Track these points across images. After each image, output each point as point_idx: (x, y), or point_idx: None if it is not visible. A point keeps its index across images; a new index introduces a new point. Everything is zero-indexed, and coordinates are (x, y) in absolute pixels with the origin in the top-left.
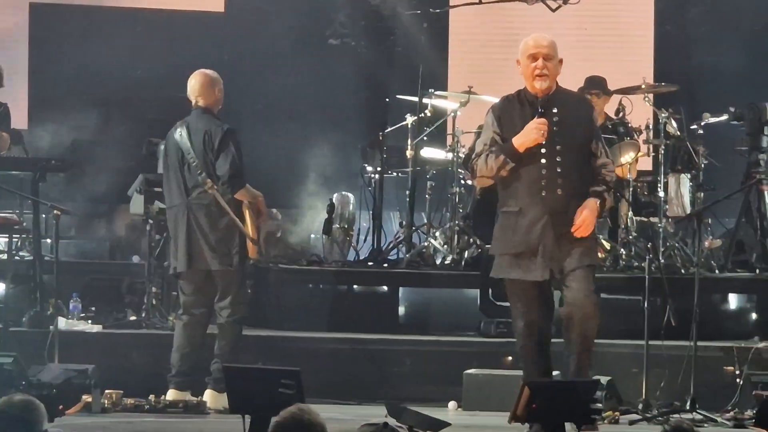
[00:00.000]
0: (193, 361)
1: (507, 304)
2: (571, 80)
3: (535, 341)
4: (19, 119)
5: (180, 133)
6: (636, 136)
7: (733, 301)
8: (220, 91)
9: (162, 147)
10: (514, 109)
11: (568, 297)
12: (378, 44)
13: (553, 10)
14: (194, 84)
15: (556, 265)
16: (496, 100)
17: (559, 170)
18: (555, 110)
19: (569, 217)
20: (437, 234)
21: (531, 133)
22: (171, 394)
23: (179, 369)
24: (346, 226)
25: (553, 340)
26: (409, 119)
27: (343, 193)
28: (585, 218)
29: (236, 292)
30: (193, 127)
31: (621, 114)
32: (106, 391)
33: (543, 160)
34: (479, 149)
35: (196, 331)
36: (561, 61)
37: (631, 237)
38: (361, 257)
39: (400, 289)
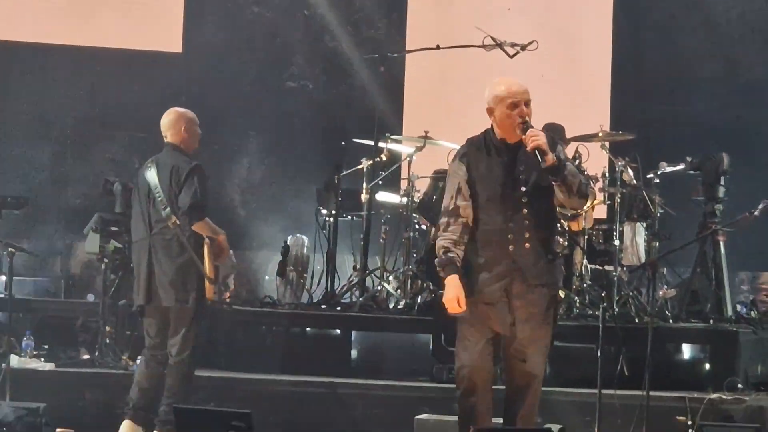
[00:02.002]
0: (150, 398)
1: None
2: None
3: (480, 383)
4: None
5: (149, 169)
6: (592, 184)
7: (687, 351)
8: (188, 129)
9: (117, 186)
10: (481, 157)
11: (519, 370)
12: (335, 87)
13: (511, 57)
14: (163, 120)
15: (520, 324)
16: (452, 145)
17: (527, 222)
18: (522, 158)
19: (537, 271)
20: (391, 278)
21: (449, 295)
22: (125, 426)
23: (136, 403)
24: (300, 269)
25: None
26: (365, 163)
27: (298, 235)
28: (533, 130)
29: (187, 331)
30: (162, 162)
31: (577, 161)
32: (58, 429)
33: (509, 212)
34: (447, 203)
35: (155, 370)
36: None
37: (585, 285)
38: (315, 300)
39: (353, 332)
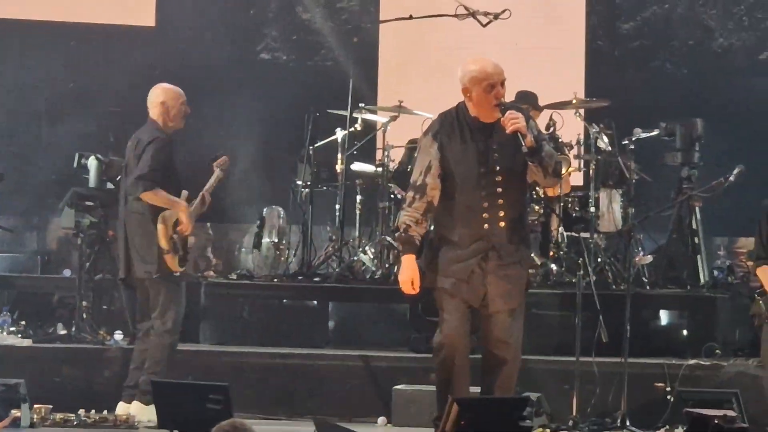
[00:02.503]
0: (138, 377)
1: (437, 318)
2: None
3: (457, 353)
4: None
5: (129, 143)
6: (567, 152)
7: (665, 317)
8: (165, 104)
9: (91, 161)
10: (455, 135)
11: (492, 332)
12: (308, 59)
13: (484, 25)
14: (148, 95)
15: (493, 300)
16: (426, 114)
17: (501, 201)
18: (496, 137)
19: (511, 249)
20: (367, 248)
21: (404, 276)
22: (119, 407)
23: (127, 383)
24: (276, 241)
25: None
26: (339, 134)
27: (274, 207)
28: (512, 112)
29: (163, 303)
30: (136, 137)
31: (551, 129)
32: (36, 405)
33: (483, 192)
34: (415, 178)
35: (141, 346)
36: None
37: (562, 252)
38: (292, 271)
39: (330, 303)
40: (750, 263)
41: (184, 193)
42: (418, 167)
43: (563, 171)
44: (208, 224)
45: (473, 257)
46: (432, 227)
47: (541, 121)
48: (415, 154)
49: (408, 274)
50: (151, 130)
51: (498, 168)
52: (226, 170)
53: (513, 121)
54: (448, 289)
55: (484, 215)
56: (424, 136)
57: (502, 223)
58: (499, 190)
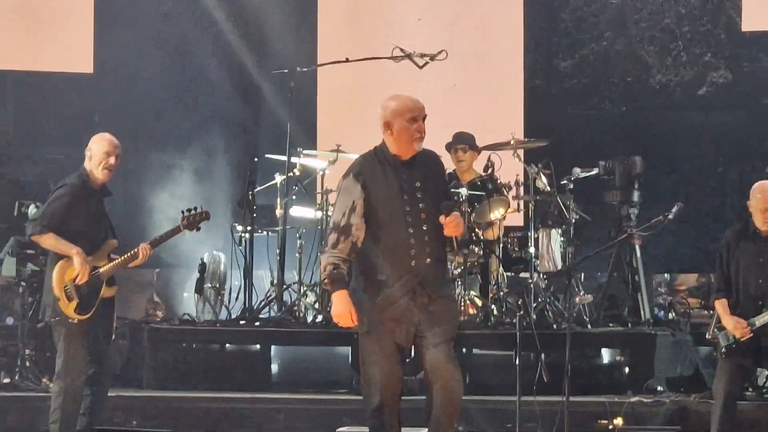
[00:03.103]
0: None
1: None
2: (439, 137)
3: (391, 396)
4: None
5: None
6: (506, 192)
7: (606, 355)
8: (89, 152)
9: (31, 209)
10: (377, 174)
11: (431, 363)
12: (246, 103)
13: (420, 67)
14: None
15: (422, 336)
16: None
17: (427, 238)
18: (417, 173)
19: (439, 284)
20: (308, 292)
21: (340, 310)
22: None
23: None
24: (217, 285)
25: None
26: (278, 178)
27: (214, 252)
28: (456, 217)
29: (59, 349)
30: None
31: (490, 170)
32: None
33: (410, 229)
34: (338, 219)
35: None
36: None
37: (502, 293)
38: (233, 316)
39: (272, 347)
40: (691, 300)
41: (113, 242)
42: (340, 208)
43: (502, 210)
44: (156, 270)
45: (402, 296)
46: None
47: (480, 162)
48: (336, 197)
49: (344, 307)
50: (71, 176)
51: (422, 204)
52: (193, 226)
53: (454, 228)
54: (376, 333)
55: (411, 252)
56: (344, 178)
57: (429, 259)
58: (425, 227)
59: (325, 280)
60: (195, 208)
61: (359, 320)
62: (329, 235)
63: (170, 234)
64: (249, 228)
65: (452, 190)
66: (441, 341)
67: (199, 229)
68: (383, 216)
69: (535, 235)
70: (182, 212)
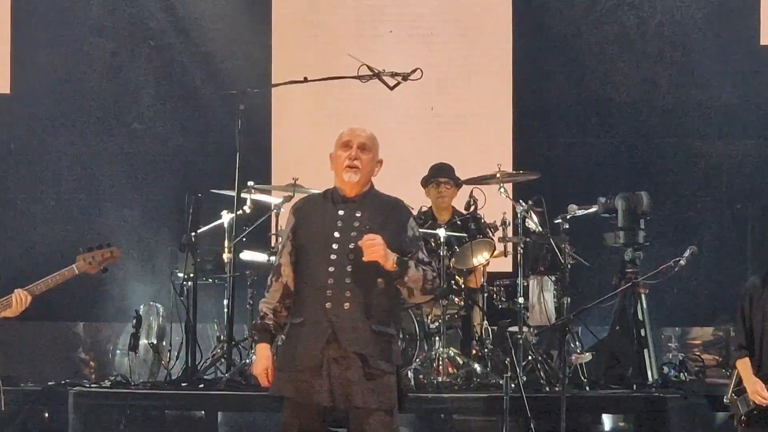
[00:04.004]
0: None
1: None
2: (413, 168)
3: None
4: None
5: None
6: (490, 234)
7: (608, 422)
8: None
9: None
10: (316, 209)
11: None
12: (188, 129)
13: (391, 88)
14: None
15: (342, 396)
16: None
17: (348, 281)
18: (358, 213)
19: (355, 337)
20: None
21: (256, 368)
22: None
23: None
24: (155, 342)
25: None
26: (226, 217)
27: (151, 303)
28: (377, 241)
29: None
30: None
31: (472, 208)
32: None
33: (331, 268)
34: (275, 260)
35: None
36: (380, 162)
37: (486, 350)
38: (174, 377)
39: (220, 413)
40: (706, 357)
41: None
42: (279, 253)
43: (487, 254)
44: (81, 324)
45: (315, 345)
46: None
47: (461, 198)
48: None
49: (261, 364)
50: None
51: (352, 245)
52: (96, 267)
53: (370, 249)
54: (290, 393)
55: (327, 292)
56: (288, 216)
57: (347, 305)
58: (349, 268)
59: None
60: (99, 245)
61: (274, 377)
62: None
63: (60, 278)
64: (192, 275)
65: (428, 230)
66: (374, 409)
67: (105, 270)
68: (308, 254)
69: (525, 283)
70: (80, 250)
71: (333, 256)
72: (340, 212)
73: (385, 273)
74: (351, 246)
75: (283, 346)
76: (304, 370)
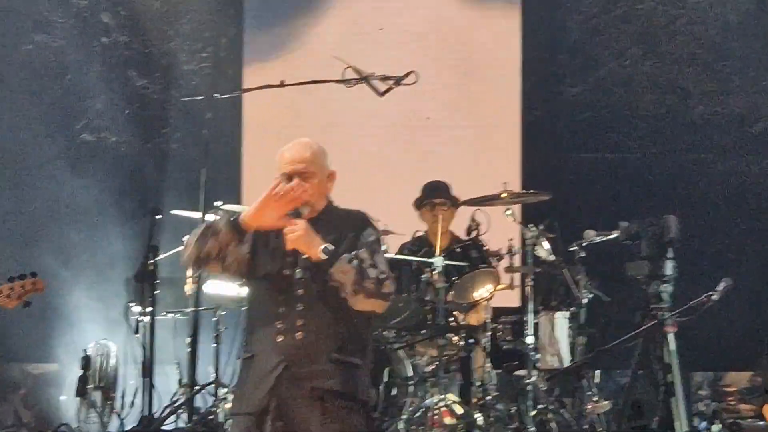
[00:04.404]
0: None
1: None
2: (406, 187)
3: None
4: None
5: None
6: (495, 263)
7: None
8: None
9: None
10: (271, 233)
11: None
12: (147, 141)
13: (381, 94)
14: None
15: None
16: None
17: (300, 308)
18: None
19: (315, 371)
20: (228, 395)
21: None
22: None
23: None
24: (105, 386)
25: None
26: None
27: (102, 341)
28: (298, 226)
29: None
30: None
31: (474, 233)
32: None
33: (281, 295)
34: None
35: None
36: (332, 175)
37: (489, 397)
38: (127, 427)
39: None
40: (743, 406)
41: None
42: None
43: (490, 286)
44: (21, 365)
45: (264, 384)
46: None
47: (460, 222)
48: None
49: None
50: None
51: (303, 267)
52: (15, 301)
53: (290, 236)
54: (243, 426)
55: (277, 323)
56: None
57: (299, 334)
58: (300, 291)
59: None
60: (21, 275)
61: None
62: None
63: None
64: (149, 309)
65: (423, 259)
66: None
67: (27, 304)
68: (259, 282)
69: (535, 320)
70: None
71: (286, 280)
72: None
73: (338, 289)
74: (303, 266)
75: (237, 384)
76: (252, 413)
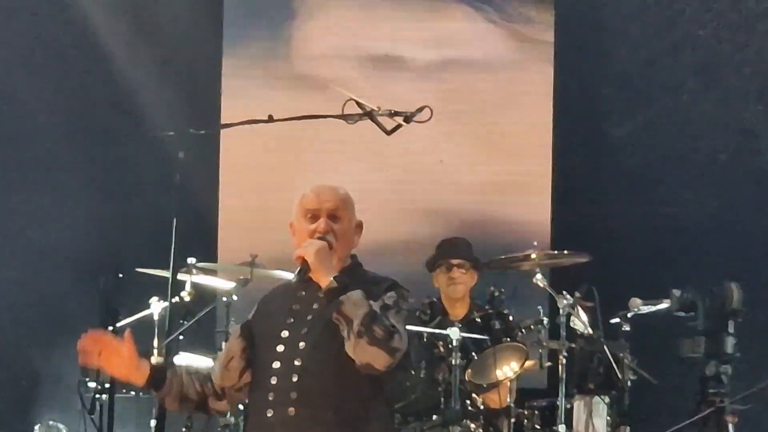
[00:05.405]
0: None
1: None
2: (416, 245)
3: None
4: None
5: None
6: (522, 336)
7: None
8: None
9: None
10: (278, 295)
11: None
12: (107, 185)
13: (389, 132)
14: None
15: None
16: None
17: (295, 379)
18: (316, 304)
19: None
20: None
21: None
22: None
23: None
24: None
25: None
26: (156, 306)
27: (51, 423)
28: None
29: None
30: None
31: (497, 300)
32: None
33: (276, 363)
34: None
35: None
36: (360, 225)
37: None
38: None
39: None
40: None
41: None
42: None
43: (509, 373)
44: None
45: None
46: None
47: (481, 287)
48: None
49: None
50: None
51: (305, 330)
52: None
53: (304, 247)
54: None
55: (269, 396)
56: None
57: (292, 410)
58: (298, 362)
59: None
60: None
61: None
62: None
63: None
64: (107, 385)
65: (436, 330)
66: None
67: None
68: (257, 351)
69: (568, 405)
70: None
71: (280, 348)
72: (301, 293)
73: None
74: (304, 331)
75: None
76: None
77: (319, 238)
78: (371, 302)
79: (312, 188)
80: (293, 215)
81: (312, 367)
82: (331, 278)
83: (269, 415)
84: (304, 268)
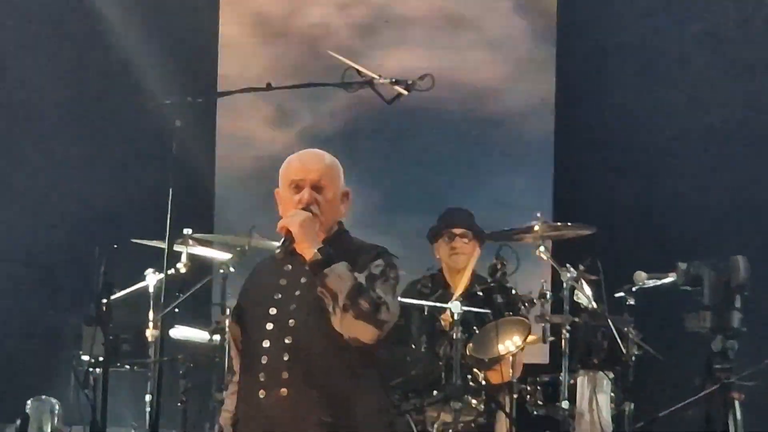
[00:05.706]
0: None
1: None
2: (417, 215)
3: None
4: None
5: None
6: (524, 310)
7: None
8: None
9: None
10: (265, 269)
11: None
12: (100, 154)
13: (389, 102)
14: None
15: None
16: None
17: (286, 358)
18: (304, 278)
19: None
20: None
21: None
22: None
23: None
24: None
25: None
26: (152, 279)
27: (43, 397)
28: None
29: None
30: None
31: (499, 273)
32: None
33: (266, 342)
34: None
35: None
36: (346, 194)
37: None
38: None
39: None
40: None
41: None
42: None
43: (512, 347)
44: None
45: None
46: None
47: (484, 260)
48: None
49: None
50: None
51: (294, 306)
52: None
53: (291, 218)
54: None
55: (260, 377)
56: None
57: (284, 390)
58: (288, 340)
59: None
60: None
61: None
62: None
63: None
64: (101, 358)
65: (437, 303)
66: None
67: None
68: (246, 328)
69: (571, 381)
70: None
71: (269, 326)
72: (287, 267)
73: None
74: (292, 308)
75: None
76: None
77: (303, 209)
78: (356, 274)
79: (297, 155)
80: (279, 183)
81: (303, 344)
82: (315, 250)
83: (261, 396)
84: (288, 239)
